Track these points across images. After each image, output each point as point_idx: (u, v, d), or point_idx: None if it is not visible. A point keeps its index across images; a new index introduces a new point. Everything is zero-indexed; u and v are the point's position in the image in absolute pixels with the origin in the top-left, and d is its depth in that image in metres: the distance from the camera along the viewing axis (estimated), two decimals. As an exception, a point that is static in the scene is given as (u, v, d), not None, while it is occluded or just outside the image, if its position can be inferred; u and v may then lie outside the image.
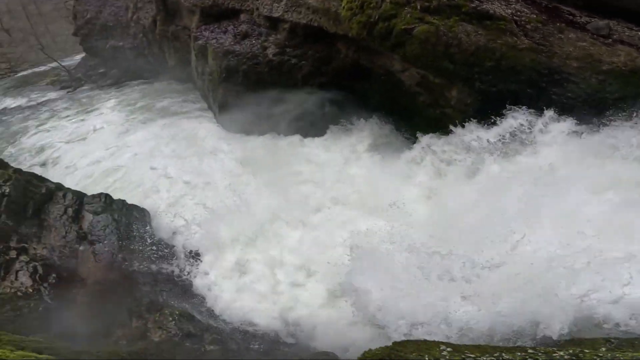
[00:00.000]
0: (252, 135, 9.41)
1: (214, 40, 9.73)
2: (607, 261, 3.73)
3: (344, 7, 7.02)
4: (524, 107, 5.85)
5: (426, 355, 2.85)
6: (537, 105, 5.83)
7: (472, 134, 6.18)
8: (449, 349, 2.93)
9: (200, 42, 10.03)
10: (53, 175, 8.82)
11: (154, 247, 6.36)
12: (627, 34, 6.05)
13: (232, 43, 9.38)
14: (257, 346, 4.73)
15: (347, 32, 7.20)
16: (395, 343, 3.17)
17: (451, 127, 6.43)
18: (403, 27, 6.23)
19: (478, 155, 6.06)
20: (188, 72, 12.85)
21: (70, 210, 6.39)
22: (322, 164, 7.83)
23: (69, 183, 7.80)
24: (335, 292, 5.20)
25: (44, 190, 6.52)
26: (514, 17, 6.17)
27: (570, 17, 6.31)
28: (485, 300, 3.91)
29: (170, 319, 4.70)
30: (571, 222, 4.21)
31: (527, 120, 5.77)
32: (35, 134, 13.02)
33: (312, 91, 8.46)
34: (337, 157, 7.92)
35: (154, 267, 6.03)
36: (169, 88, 14.78)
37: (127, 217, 6.59)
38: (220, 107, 10.08)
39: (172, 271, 6.08)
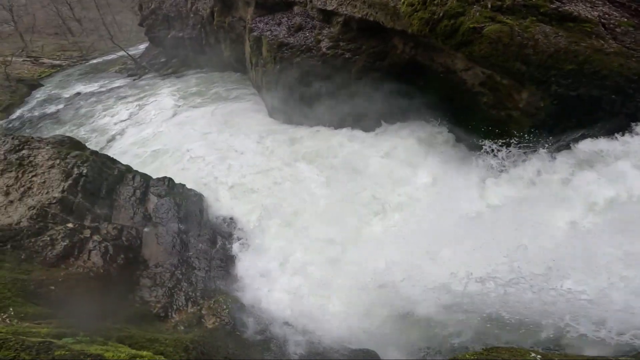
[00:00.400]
0: (302, 127, 9.54)
1: (269, 32, 9.85)
2: None
3: (404, 3, 6.82)
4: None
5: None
6: (619, 112, 5.45)
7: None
8: (539, 357, 3.07)
9: (255, 33, 10.19)
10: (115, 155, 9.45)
11: (209, 233, 6.49)
12: None
13: (286, 35, 9.45)
14: (299, 338, 4.77)
15: (406, 28, 6.98)
16: (485, 349, 3.29)
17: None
18: (472, 25, 5.99)
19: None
20: (242, 63, 13.19)
21: (138, 192, 6.65)
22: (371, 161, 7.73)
23: (135, 164, 8.18)
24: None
25: (116, 172, 6.86)
26: (602, 20, 5.76)
27: (664, 22, 5.75)
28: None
29: (225, 306, 4.84)
30: None
31: None
32: (102, 117, 14.16)
33: (365, 86, 8.35)
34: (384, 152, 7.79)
35: (208, 253, 6.16)
36: (224, 77, 15.36)
37: (185, 201, 6.76)
38: (272, 98, 10.29)
39: (226, 258, 6.21)
